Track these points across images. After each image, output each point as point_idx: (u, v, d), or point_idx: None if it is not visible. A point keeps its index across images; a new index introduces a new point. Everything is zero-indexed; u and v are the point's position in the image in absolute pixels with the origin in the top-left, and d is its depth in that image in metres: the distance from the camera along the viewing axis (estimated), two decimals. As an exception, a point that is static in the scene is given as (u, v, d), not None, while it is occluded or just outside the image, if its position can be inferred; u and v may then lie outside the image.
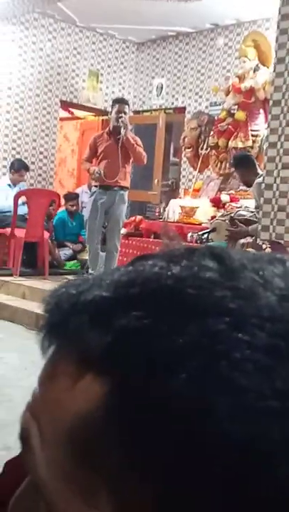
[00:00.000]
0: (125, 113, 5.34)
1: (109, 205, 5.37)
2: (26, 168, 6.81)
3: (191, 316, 0.25)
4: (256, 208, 4.52)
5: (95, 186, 5.52)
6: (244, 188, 6.50)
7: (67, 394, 0.27)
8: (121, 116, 5.26)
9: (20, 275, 6.05)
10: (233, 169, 6.52)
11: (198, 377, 0.24)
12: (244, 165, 4.95)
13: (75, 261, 6.96)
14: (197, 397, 0.24)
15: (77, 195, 7.44)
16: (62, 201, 7.23)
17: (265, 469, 0.23)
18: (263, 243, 3.72)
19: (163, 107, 8.47)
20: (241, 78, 6.45)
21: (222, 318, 0.25)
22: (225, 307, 0.25)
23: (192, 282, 0.26)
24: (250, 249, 4.29)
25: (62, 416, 0.27)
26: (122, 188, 5.39)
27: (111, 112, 5.49)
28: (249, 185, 4.92)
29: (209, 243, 4.56)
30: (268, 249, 3.65)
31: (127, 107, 5.41)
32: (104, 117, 8.03)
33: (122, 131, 5.27)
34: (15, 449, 0.34)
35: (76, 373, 0.27)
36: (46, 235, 6.30)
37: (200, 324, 0.25)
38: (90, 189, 7.25)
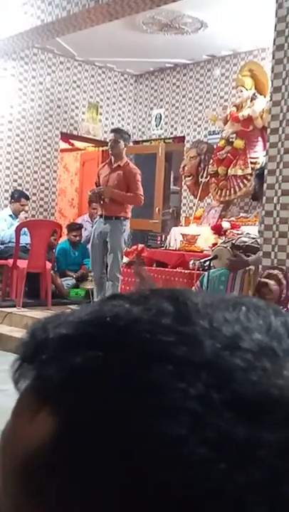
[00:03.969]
0: (116, 141, 5.42)
1: (107, 235, 5.41)
2: (26, 197, 6.88)
3: (137, 359, 0.26)
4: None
5: (99, 216, 5.57)
6: (245, 214, 6.54)
7: (24, 428, 0.28)
8: (109, 145, 5.47)
9: (23, 306, 6.04)
10: (233, 196, 6.58)
11: (130, 423, 0.24)
12: (261, 177, 4.76)
13: (78, 289, 6.95)
14: (130, 442, 0.24)
15: (80, 226, 7.47)
16: (65, 231, 7.27)
17: None
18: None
19: (162, 136, 8.57)
20: (239, 107, 6.54)
21: (163, 363, 0.25)
22: (168, 353, 0.26)
23: (145, 326, 0.27)
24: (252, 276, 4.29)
25: (17, 450, 0.28)
26: (120, 217, 5.41)
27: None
28: (256, 198, 4.84)
29: (211, 270, 4.57)
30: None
31: (118, 135, 5.47)
32: (104, 148, 8.11)
33: (113, 159, 5.45)
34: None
35: (35, 408, 0.28)
36: (48, 265, 6.31)
37: (142, 369, 0.25)
38: (91, 219, 7.30)
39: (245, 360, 0.25)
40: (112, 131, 5.68)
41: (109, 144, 5.50)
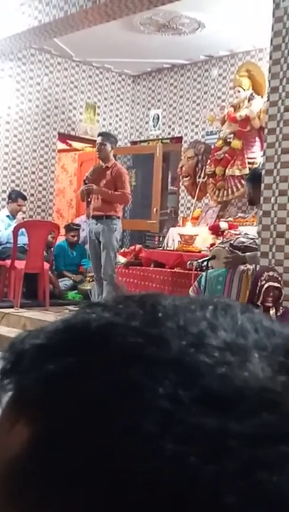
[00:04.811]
0: (103, 144, 5.56)
1: (100, 235, 5.53)
2: (23, 198, 6.88)
3: (108, 362, 0.27)
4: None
5: (87, 217, 5.68)
6: (242, 215, 6.54)
7: (4, 439, 0.28)
8: (97, 148, 5.63)
9: (21, 307, 6.03)
10: (230, 196, 6.58)
11: (107, 423, 0.25)
12: (252, 181, 4.79)
13: (76, 291, 6.95)
14: (107, 442, 0.25)
15: (78, 226, 7.47)
16: (63, 231, 7.27)
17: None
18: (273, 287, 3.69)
19: (160, 137, 8.57)
20: (236, 107, 6.55)
21: (133, 364, 0.26)
22: (137, 354, 0.27)
23: (115, 329, 0.28)
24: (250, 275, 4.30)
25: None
26: (111, 217, 5.52)
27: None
28: (252, 203, 4.87)
29: (209, 270, 4.57)
30: (269, 284, 3.63)
31: (105, 139, 5.62)
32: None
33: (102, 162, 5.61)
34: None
35: (14, 418, 0.28)
36: (46, 265, 6.31)
37: (113, 371, 0.26)
38: (88, 219, 7.32)
39: (210, 356, 0.26)
40: (99, 135, 5.80)
41: (96, 147, 5.66)
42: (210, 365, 0.26)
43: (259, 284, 3.66)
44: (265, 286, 3.62)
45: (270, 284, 3.63)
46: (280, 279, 3.69)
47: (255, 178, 4.74)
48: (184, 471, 0.24)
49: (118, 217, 5.63)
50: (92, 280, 6.14)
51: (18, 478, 0.27)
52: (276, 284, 3.64)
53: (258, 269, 4.12)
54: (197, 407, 0.25)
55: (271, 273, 3.72)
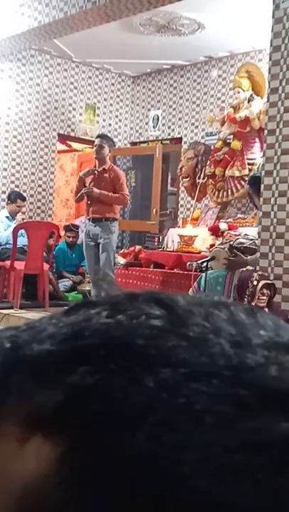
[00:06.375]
0: (101, 147, 5.54)
1: (98, 237, 5.53)
2: (22, 198, 6.88)
3: (144, 369, 0.24)
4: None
5: (88, 219, 5.67)
6: (242, 216, 6.54)
7: (13, 459, 0.24)
8: (95, 150, 5.59)
9: (20, 308, 6.03)
10: (230, 197, 6.58)
11: (160, 434, 0.22)
12: (252, 187, 4.75)
13: (76, 292, 6.95)
14: (161, 455, 0.22)
15: (76, 227, 7.47)
16: (62, 232, 7.27)
17: None
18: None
19: (159, 138, 8.57)
20: (236, 108, 6.55)
21: (176, 369, 0.23)
22: (177, 357, 0.24)
23: (141, 332, 0.25)
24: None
25: (9, 485, 0.24)
26: (108, 219, 5.54)
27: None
28: (254, 204, 4.87)
29: (209, 271, 4.57)
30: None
31: (103, 141, 5.61)
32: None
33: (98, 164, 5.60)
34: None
35: (21, 436, 0.24)
36: (46, 266, 6.31)
37: (155, 377, 0.23)
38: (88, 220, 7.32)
39: (262, 356, 0.24)
40: (98, 136, 5.79)
41: (94, 148, 5.63)
42: (264, 365, 0.24)
43: (251, 285, 3.65)
44: (260, 285, 3.61)
45: (264, 282, 3.62)
46: (270, 278, 3.69)
47: (253, 183, 4.74)
48: (257, 485, 0.21)
49: (116, 219, 5.66)
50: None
51: (44, 503, 0.23)
52: (269, 281, 3.64)
53: (241, 274, 4.08)
54: (264, 410, 0.23)
55: (260, 273, 3.73)
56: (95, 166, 5.67)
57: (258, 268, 4.21)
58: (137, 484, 0.22)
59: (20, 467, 0.24)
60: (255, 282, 3.62)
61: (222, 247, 4.81)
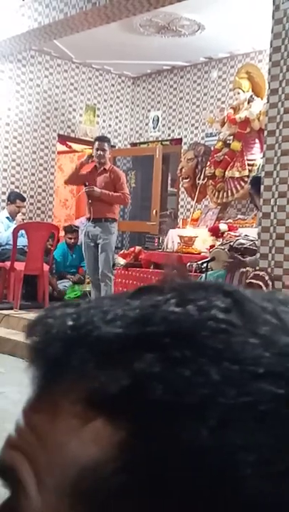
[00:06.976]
0: (104, 150, 5.52)
1: (98, 237, 5.55)
2: (22, 199, 6.88)
3: (213, 363, 0.23)
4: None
5: (87, 219, 5.67)
6: (242, 216, 6.54)
7: (72, 438, 0.24)
8: (98, 154, 5.51)
9: (20, 308, 6.03)
10: (230, 198, 6.59)
11: (222, 430, 0.22)
12: (253, 187, 4.71)
13: (75, 293, 6.94)
14: (222, 451, 0.22)
15: (76, 228, 7.47)
16: (62, 233, 7.27)
17: None
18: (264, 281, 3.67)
19: (159, 138, 8.58)
20: (236, 109, 6.55)
21: (244, 366, 0.23)
22: (246, 354, 0.24)
23: (210, 325, 0.25)
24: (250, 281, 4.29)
25: (66, 463, 0.24)
26: (108, 219, 5.55)
27: (92, 149, 5.70)
28: (255, 205, 4.86)
29: (208, 272, 4.57)
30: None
31: (106, 144, 5.58)
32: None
33: (99, 166, 5.56)
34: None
35: (83, 414, 0.24)
36: (46, 267, 6.31)
37: (223, 373, 0.23)
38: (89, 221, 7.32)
39: None
40: (99, 139, 5.72)
41: (97, 152, 5.53)
42: None
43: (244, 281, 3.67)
44: (247, 282, 3.63)
45: (252, 281, 3.62)
46: (266, 278, 3.67)
47: (254, 184, 4.72)
48: None
49: (116, 220, 5.68)
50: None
51: (102, 488, 0.23)
52: (260, 283, 3.63)
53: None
54: None
55: (258, 272, 3.73)
56: (95, 166, 5.68)
57: (257, 268, 4.21)
58: (197, 481, 0.22)
59: (79, 447, 0.24)
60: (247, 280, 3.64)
61: (222, 247, 4.81)
